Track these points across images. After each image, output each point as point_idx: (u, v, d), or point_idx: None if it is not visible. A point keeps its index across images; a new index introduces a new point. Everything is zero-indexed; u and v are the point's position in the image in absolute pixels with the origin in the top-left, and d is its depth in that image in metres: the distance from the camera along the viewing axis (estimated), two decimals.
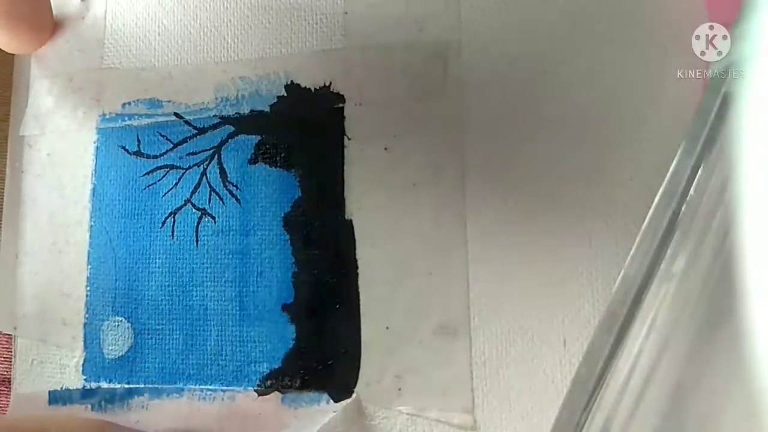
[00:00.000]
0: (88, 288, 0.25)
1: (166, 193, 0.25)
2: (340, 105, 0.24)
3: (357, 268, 0.23)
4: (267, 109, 0.24)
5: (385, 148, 0.23)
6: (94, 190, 0.26)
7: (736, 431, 0.18)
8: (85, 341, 0.25)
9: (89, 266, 0.25)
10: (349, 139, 0.24)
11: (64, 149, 0.26)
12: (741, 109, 0.19)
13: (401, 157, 0.23)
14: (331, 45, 0.24)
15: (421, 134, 0.23)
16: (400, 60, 0.24)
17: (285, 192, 0.24)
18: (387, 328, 0.22)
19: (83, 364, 0.25)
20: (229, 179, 0.24)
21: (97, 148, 0.26)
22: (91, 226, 0.25)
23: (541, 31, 0.23)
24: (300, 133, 0.24)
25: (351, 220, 0.23)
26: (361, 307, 0.23)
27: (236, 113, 0.25)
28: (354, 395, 0.22)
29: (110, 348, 0.24)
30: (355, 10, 0.24)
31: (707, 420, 0.19)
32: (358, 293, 0.23)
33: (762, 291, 0.18)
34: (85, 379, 0.24)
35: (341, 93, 0.24)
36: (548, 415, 0.21)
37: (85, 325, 0.25)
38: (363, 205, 0.23)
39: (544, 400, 0.21)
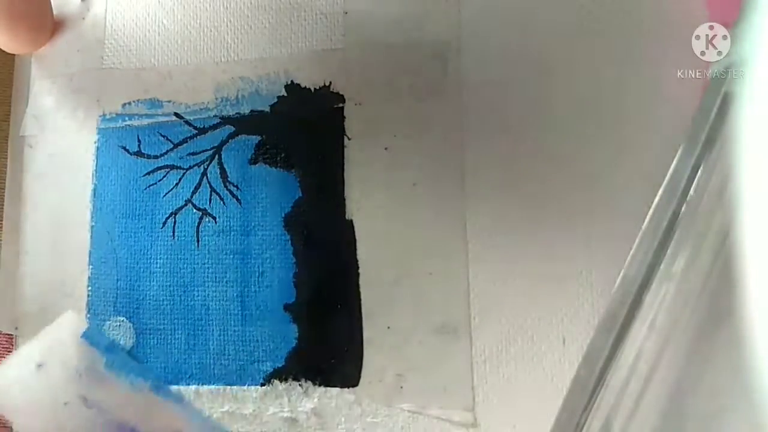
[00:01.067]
0: (90, 288, 0.25)
1: (166, 194, 0.25)
2: (340, 105, 0.24)
3: (358, 267, 0.23)
4: (267, 109, 0.24)
5: (385, 148, 0.23)
6: (95, 191, 0.26)
7: (736, 431, 0.18)
8: None
9: (90, 266, 0.25)
10: (349, 139, 0.24)
11: (64, 149, 0.26)
12: (741, 109, 0.19)
13: (401, 156, 0.23)
14: (331, 45, 0.24)
15: (421, 134, 0.23)
16: (400, 60, 0.24)
17: (285, 192, 0.24)
18: (388, 327, 0.22)
19: None
20: (229, 179, 0.24)
21: (98, 148, 0.26)
22: (92, 227, 0.25)
23: (541, 31, 0.23)
24: (300, 134, 0.24)
25: (351, 220, 0.23)
26: (362, 306, 0.23)
27: (236, 113, 0.25)
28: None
29: None
30: (355, 9, 0.24)
31: (707, 420, 0.19)
32: (359, 293, 0.23)
33: (762, 291, 0.18)
34: None
35: (341, 93, 0.24)
36: (548, 414, 0.21)
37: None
38: (363, 205, 0.23)
39: (544, 398, 0.21)
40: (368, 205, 0.23)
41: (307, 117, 0.24)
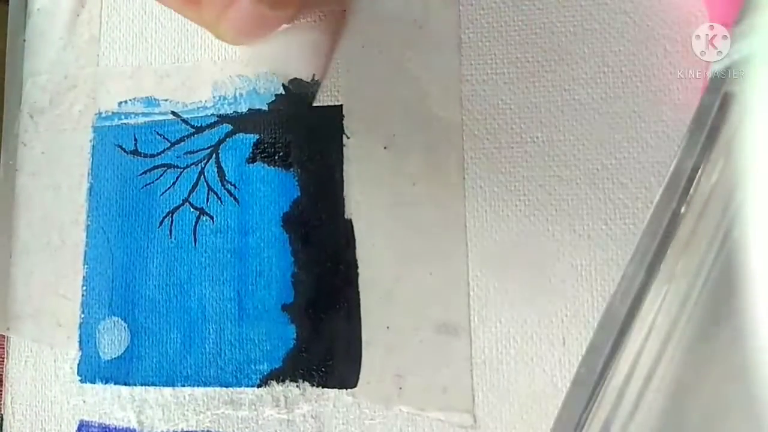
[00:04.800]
0: (84, 288, 0.25)
1: (163, 193, 0.25)
2: (340, 104, 0.24)
3: (357, 267, 0.23)
4: (265, 107, 0.24)
5: (385, 147, 0.23)
6: (90, 189, 0.25)
7: (736, 431, 0.18)
8: (80, 341, 0.24)
9: (86, 266, 0.25)
10: (348, 138, 0.23)
11: (59, 148, 0.26)
12: (742, 109, 0.19)
13: (401, 156, 0.23)
14: (331, 44, 0.24)
15: (421, 133, 0.23)
16: (399, 59, 0.23)
17: (284, 191, 0.24)
18: (387, 327, 0.22)
19: (78, 365, 0.24)
20: (227, 178, 0.24)
21: (93, 146, 0.26)
22: (88, 226, 0.25)
23: (541, 31, 0.23)
24: (299, 132, 0.24)
25: (350, 220, 0.23)
26: (362, 306, 0.23)
27: (234, 112, 0.24)
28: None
29: (106, 348, 0.24)
30: (355, 8, 0.24)
31: (707, 420, 0.19)
32: (358, 293, 0.23)
33: (766, 290, 0.18)
34: (80, 380, 0.24)
35: (341, 92, 0.24)
36: (548, 415, 0.21)
37: (80, 325, 0.25)
38: (363, 204, 0.23)
39: (544, 399, 0.21)
40: (368, 205, 0.23)
41: (306, 116, 0.24)
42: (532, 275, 0.22)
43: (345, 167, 0.23)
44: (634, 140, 0.22)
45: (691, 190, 0.20)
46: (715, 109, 0.20)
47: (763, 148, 0.18)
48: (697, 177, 0.20)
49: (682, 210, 0.20)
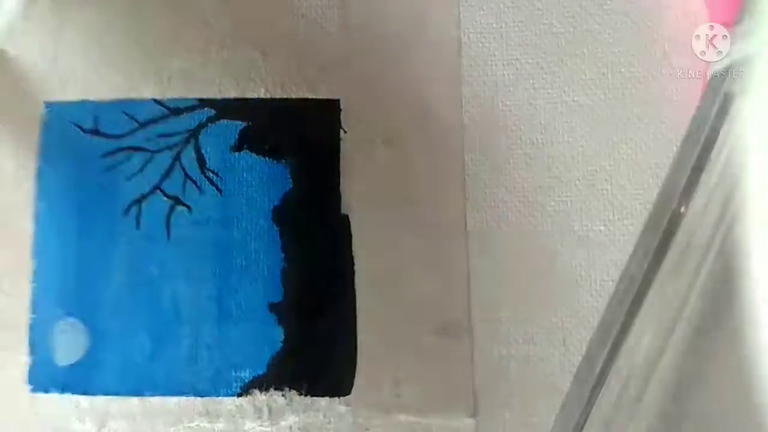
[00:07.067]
0: (34, 285, 0.22)
1: (130, 178, 0.22)
2: (337, 98, 0.23)
3: (353, 265, 0.22)
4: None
5: (383, 143, 0.22)
6: (39, 172, 0.22)
7: (736, 431, 0.18)
8: (31, 346, 0.21)
9: (34, 259, 0.22)
10: (345, 132, 0.22)
11: (3, 124, 0.23)
12: (742, 109, 0.19)
13: (401, 156, 0.22)
14: (328, 36, 0.23)
15: (421, 134, 0.23)
16: (398, 56, 0.23)
17: (274, 183, 0.22)
18: (384, 329, 0.21)
19: (29, 372, 0.21)
20: (208, 166, 0.22)
21: (45, 124, 0.23)
22: (37, 213, 0.22)
23: (541, 32, 0.23)
24: (293, 124, 0.23)
25: (347, 216, 0.22)
26: (357, 307, 0.21)
27: (219, 97, 0.23)
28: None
29: (62, 353, 0.21)
30: (355, 8, 0.23)
31: (707, 420, 0.19)
32: (354, 292, 0.22)
33: (766, 289, 0.18)
34: (31, 389, 0.21)
35: (338, 86, 0.23)
36: (548, 415, 0.21)
37: (30, 327, 0.22)
38: (360, 200, 0.22)
39: (544, 400, 0.21)
40: (365, 201, 0.22)
41: (301, 107, 0.23)
42: (532, 275, 0.22)
43: (342, 161, 0.22)
44: (632, 141, 0.22)
45: (691, 190, 0.20)
46: (715, 109, 0.20)
47: (763, 148, 0.19)
48: (697, 177, 0.20)
49: (682, 210, 0.20)
